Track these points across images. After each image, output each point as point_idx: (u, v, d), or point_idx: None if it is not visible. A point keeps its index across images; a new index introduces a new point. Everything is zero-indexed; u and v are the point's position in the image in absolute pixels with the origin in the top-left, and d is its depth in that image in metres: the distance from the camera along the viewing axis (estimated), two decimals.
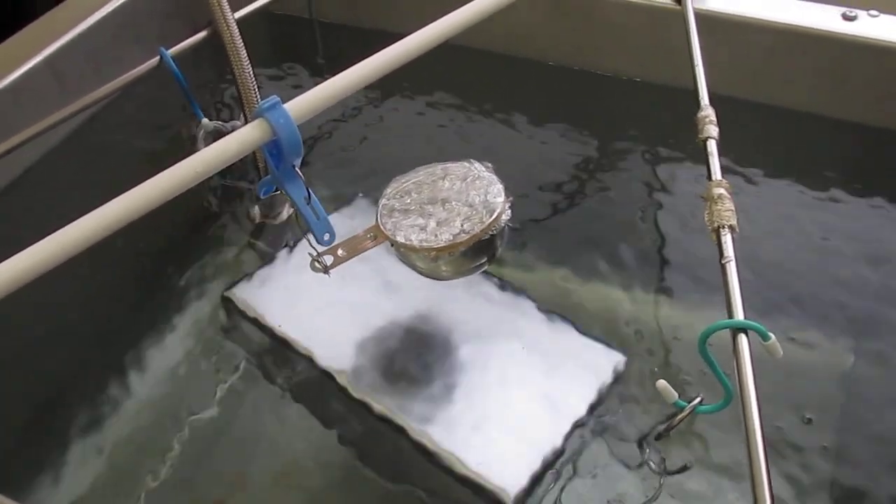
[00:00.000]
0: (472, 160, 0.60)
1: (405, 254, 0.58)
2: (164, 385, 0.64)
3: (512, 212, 0.57)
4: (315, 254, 0.55)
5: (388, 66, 0.51)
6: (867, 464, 0.56)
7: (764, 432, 0.40)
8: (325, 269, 0.56)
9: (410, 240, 0.56)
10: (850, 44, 0.74)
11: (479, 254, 0.58)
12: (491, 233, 0.56)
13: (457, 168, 0.60)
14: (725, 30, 0.77)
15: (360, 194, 0.76)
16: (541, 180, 0.79)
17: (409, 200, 0.58)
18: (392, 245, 0.57)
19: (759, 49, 0.78)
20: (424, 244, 0.55)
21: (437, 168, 0.61)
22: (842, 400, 0.60)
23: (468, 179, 0.59)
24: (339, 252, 0.56)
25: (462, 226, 0.56)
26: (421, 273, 0.60)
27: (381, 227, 0.57)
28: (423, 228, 0.56)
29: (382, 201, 0.59)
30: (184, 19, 0.86)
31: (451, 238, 0.55)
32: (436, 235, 0.55)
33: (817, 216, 0.73)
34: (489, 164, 0.60)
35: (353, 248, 0.57)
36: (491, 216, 0.56)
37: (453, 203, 0.57)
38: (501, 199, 0.57)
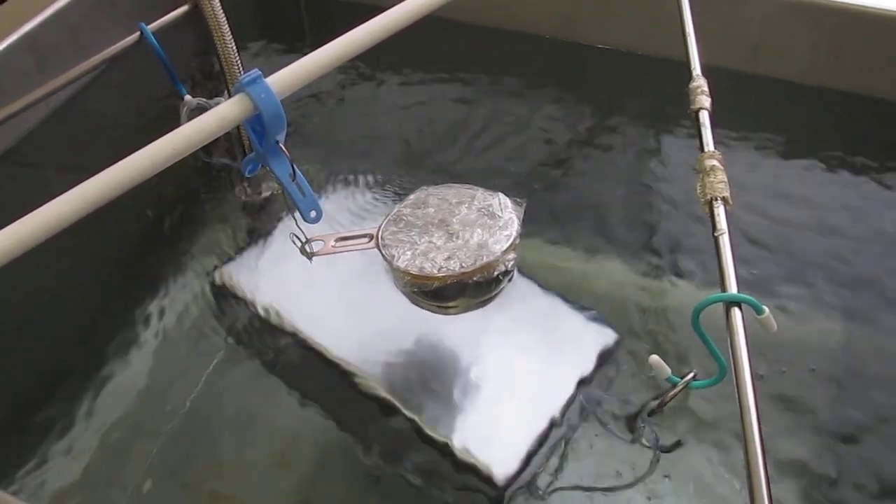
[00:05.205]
0: (501, 193, 0.56)
1: (388, 267, 0.55)
2: (153, 367, 0.63)
3: (514, 265, 0.53)
4: (303, 239, 0.54)
5: (372, 39, 0.49)
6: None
7: (759, 406, 0.39)
8: (309, 256, 0.54)
9: (393, 255, 0.53)
10: (846, 12, 0.73)
11: (463, 295, 0.53)
12: (474, 279, 0.51)
13: (483, 197, 0.56)
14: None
15: (344, 174, 0.75)
16: (533, 154, 0.78)
17: (421, 214, 0.55)
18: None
19: (755, 19, 0.77)
20: (402, 265, 0.52)
21: (467, 190, 0.57)
22: (836, 370, 0.59)
23: (483, 213, 0.54)
24: (332, 243, 0.55)
25: (445, 261, 0.52)
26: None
27: (379, 234, 0.55)
28: (413, 248, 0.53)
29: (398, 207, 0.57)
30: None
31: (425, 270, 0.51)
32: (420, 261, 0.52)
33: (812, 187, 0.72)
34: (521, 202, 0.55)
35: (346, 243, 0.56)
36: (476, 262, 0.51)
37: (456, 233, 0.53)
38: (501, 248, 0.52)
